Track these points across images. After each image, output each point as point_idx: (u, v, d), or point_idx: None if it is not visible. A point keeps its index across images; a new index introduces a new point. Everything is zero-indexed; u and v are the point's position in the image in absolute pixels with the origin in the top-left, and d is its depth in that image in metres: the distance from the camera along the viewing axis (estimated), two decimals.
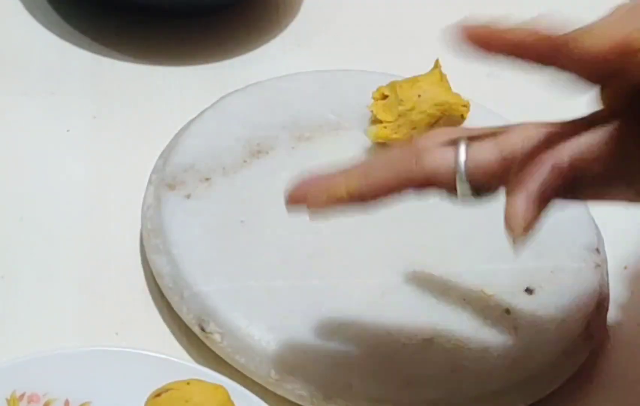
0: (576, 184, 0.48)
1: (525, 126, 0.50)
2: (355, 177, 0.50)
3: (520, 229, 0.47)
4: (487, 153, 0.49)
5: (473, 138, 0.50)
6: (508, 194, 0.48)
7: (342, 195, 0.50)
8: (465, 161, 0.49)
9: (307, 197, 0.51)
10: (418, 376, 0.57)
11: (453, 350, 0.58)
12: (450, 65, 0.79)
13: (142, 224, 0.62)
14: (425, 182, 0.50)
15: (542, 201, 0.47)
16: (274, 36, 0.79)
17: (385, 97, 0.67)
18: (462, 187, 0.49)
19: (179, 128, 0.67)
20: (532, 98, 0.77)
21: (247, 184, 0.64)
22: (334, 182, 0.50)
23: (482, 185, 0.49)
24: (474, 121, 0.71)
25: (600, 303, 0.62)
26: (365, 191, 0.50)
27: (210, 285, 0.58)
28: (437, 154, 0.49)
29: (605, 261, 0.64)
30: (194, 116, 0.68)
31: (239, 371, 0.57)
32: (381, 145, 0.67)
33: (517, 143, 0.49)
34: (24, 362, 0.53)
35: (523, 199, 0.47)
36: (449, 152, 0.49)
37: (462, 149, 0.49)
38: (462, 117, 0.68)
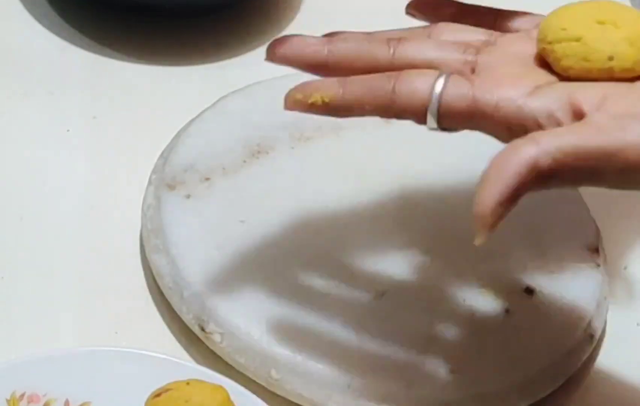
0: (556, 180, 0.46)
1: (506, 74, 0.49)
2: (333, 87, 0.51)
3: (486, 228, 0.45)
4: (462, 97, 0.49)
5: (455, 68, 0.50)
6: (481, 181, 0.46)
7: (317, 101, 0.51)
8: (439, 98, 0.49)
9: (285, 100, 0.52)
10: (418, 376, 0.57)
11: (453, 350, 0.58)
12: None
13: (142, 224, 0.62)
14: (398, 110, 0.50)
15: (515, 198, 0.45)
16: (274, 36, 0.79)
17: None
18: (431, 122, 0.49)
19: (179, 128, 0.67)
20: None
21: (247, 184, 0.64)
22: (311, 86, 0.51)
23: (449, 125, 0.50)
24: None
25: (600, 302, 0.62)
26: (340, 104, 0.51)
27: (210, 285, 0.58)
28: (415, 83, 0.49)
29: (605, 261, 0.64)
30: (194, 116, 0.68)
31: (239, 371, 0.57)
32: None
33: (492, 99, 0.48)
34: (24, 362, 0.53)
35: (494, 197, 0.45)
36: (426, 82, 0.49)
37: (440, 84, 0.49)
38: None
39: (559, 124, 0.47)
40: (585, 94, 0.47)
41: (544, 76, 0.50)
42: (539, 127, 0.47)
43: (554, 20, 0.50)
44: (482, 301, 0.61)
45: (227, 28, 0.78)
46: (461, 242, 0.64)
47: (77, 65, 0.74)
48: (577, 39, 0.49)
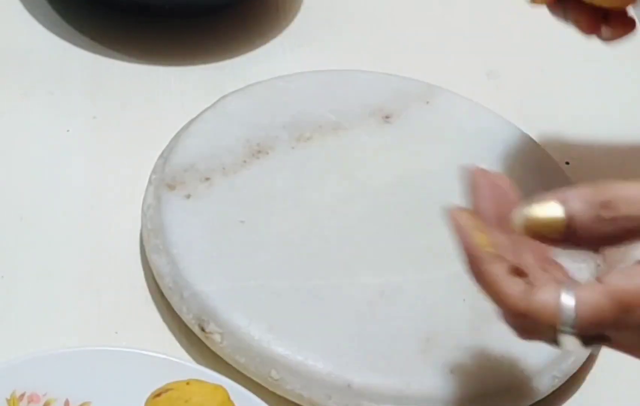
0: None
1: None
2: (477, 257, 0.49)
3: None
4: (595, 298, 0.45)
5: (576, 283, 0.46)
6: None
7: (469, 249, 0.49)
8: (573, 309, 0.45)
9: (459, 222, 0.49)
10: (418, 376, 0.57)
11: (453, 350, 0.58)
12: (449, 65, 0.79)
13: (142, 224, 0.62)
14: (522, 321, 0.47)
15: None
16: (274, 36, 0.79)
17: None
18: (566, 339, 0.46)
19: (179, 128, 0.67)
20: (533, 98, 0.77)
21: (247, 184, 0.64)
22: (473, 239, 0.49)
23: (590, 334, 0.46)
24: (473, 120, 0.71)
25: None
26: (474, 275, 0.49)
27: (210, 285, 0.58)
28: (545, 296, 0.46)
29: (605, 261, 0.64)
30: (194, 116, 0.68)
31: (239, 371, 0.57)
32: None
33: (629, 285, 0.45)
34: (24, 362, 0.53)
35: None
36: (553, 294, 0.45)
37: (568, 296, 0.45)
38: None
39: None
40: None
41: None
42: None
43: None
44: (482, 301, 0.61)
45: (227, 28, 0.78)
46: None
47: (77, 65, 0.74)
48: None
